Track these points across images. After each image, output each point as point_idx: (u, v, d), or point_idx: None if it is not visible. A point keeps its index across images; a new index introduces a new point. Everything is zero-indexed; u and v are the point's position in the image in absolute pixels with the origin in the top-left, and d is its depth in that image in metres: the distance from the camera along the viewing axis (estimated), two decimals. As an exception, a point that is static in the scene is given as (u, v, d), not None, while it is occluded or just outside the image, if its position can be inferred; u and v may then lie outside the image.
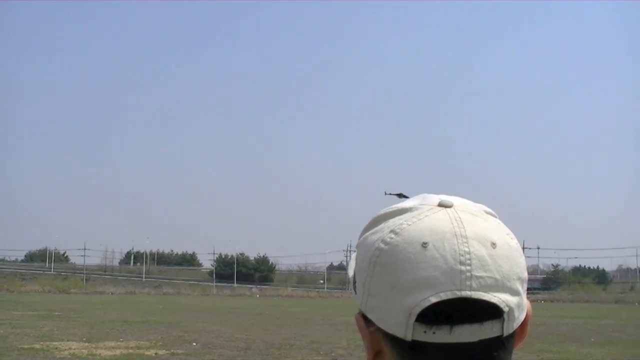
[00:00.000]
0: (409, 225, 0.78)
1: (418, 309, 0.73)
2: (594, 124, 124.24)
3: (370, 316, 0.79)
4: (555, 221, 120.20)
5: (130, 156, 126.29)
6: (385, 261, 0.77)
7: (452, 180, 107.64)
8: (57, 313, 27.79)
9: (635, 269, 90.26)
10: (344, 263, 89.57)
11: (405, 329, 0.74)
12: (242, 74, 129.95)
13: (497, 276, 0.75)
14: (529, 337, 0.80)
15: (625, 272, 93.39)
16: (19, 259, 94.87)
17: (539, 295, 66.00)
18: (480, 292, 0.73)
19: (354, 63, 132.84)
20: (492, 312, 0.74)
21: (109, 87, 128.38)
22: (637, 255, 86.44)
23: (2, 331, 18.54)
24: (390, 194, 59.07)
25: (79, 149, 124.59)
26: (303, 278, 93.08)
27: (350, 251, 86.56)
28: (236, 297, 62.01)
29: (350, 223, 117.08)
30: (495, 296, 0.74)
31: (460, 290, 0.73)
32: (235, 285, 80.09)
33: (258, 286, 78.86)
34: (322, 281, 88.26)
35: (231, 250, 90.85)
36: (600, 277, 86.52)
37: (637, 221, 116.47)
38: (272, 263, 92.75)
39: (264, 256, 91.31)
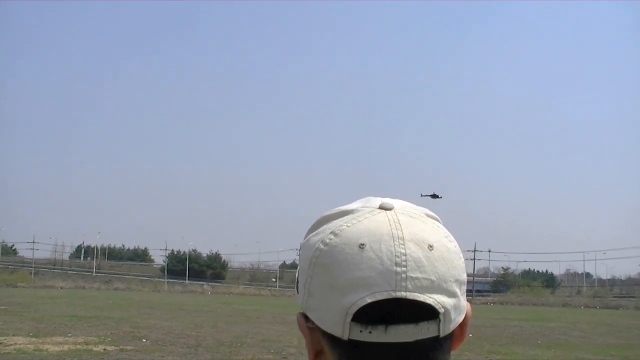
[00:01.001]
0: (348, 227, 0.80)
1: (354, 309, 0.74)
2: (544, 129, 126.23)
3: (310, 316, 0.81)
4: (507, 225, 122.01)
5: (82, 149, 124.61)
6: (324, 262, 0.79)
7: (405, 184, 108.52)
8: (3, 307, 27.19)
9: (582, 273, 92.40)
10: (297, 262, 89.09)
11: (342, 329, 0.75)
12: (196, 69, 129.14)
13: (433, 278, 0.76)
14: (477, 338, 0.81)
15: (573, 277, 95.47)
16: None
17: (489, 298, 66.95)
18: (416, 293, 0.75)
19: (308, 59, 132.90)
20: (428, 313, 0.75)
21: (67, 80, 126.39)
22: (584, 260, 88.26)
23: (-55, 324, 18.13)
24: (425, 195, 63.41)
25: (29, 140, 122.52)
26: (255, 276, 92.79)
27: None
28: (187, 294, 61.65)
29: (304, 222, 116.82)
30: (430, 297, 0.75)
31: (395, 291, 0.74)
32: (187, 282, 79.61)
33: (210, 283, 78.50)
34: (274, 279, 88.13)
35: (183, 246, 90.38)
36: (548, 280, 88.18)
37: (585, 227, 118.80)
38: (224, 260, 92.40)
39: (216, 253, 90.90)
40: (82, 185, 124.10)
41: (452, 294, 0.78)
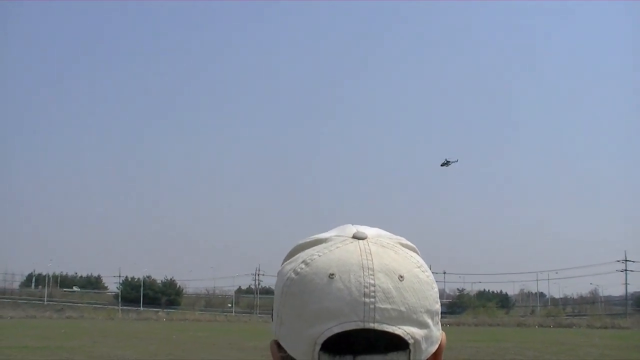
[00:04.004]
0: (320, 256, 0.81)
1: (322, 339, 0.76)
2: (494, 148, 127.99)
3: (282, 343, 0.82)
4: (461, 247, 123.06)
5: (32, 175, 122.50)
6: (294, 291, 0.80)
7: (358, 205, 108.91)
8: (-50, 339, 26.52)
9: (536, 293, 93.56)
10: (253, 287, 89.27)
11: (312, 358, 0.77)
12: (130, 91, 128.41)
13: (402, 309, 0.77)
14: (434, 360, 0.83)
15: (527, 296, 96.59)
16: None
17: (444, 319, 67.23)
18: (384, 324, 0.76)
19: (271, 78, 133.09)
20: (397, 343, 0.77)
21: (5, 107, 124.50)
22: (537, 280, 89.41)
23: None
24: (443, 164, 66.57)
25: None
26: (211, 302, 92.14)
27: (258, 275, 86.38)
28: (142, 321, 60.75)
29: (259, 247, 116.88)
30: (400, 328, 0.77)
31: (363, 321, 0.75)
32: (142, 308, 78.54)
33: (165, 310, 77.59)
34: (230, 305, 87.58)
35: (138, 273, 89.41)
36: (503, 301, 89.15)
37: (537, 247, 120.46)
38: (179, 286, 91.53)
39: (171, 279, 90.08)
40: (32, 212, 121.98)
41: (422, 325, 0.79)
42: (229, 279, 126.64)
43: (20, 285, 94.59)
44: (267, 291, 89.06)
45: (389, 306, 0.77)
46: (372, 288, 0.77)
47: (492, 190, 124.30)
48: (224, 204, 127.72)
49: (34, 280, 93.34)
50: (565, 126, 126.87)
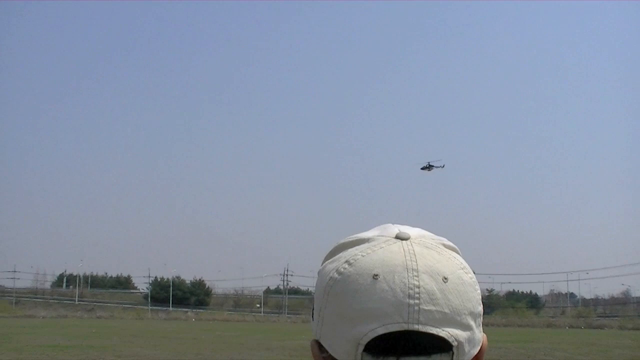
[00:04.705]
0: (363, 256, 0.80)
1: (365, 340, 0.75)
2: (526, 149, 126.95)
3: (323, 344, 0.81)
4: (490, 247, 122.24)
5: (62, 176, 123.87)
6: (337, 291, 0.79)
7: (393, 208, 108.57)
8: (-17, 338, 26.88)
9: (566, 293, 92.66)
10: (281, 287, 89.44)
11: (354, 359, 0.76)
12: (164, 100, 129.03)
13: (446, 310, 0.76)
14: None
15: (557, 297, 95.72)
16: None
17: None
18: (428, 326, 0.75)
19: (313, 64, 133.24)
20: (441, 345, 0.76)
21: (40, 109, 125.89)
22: (567, 280, 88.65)
23: None
24: (423, 167, 63.86)
25: (7, 169, 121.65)
26: (239, 302, 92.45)
27: (287, 275, 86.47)
28: (171, 321, 61.20)
29: (288, 247, 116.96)
30: (444, 330, 0.76)
31: (407, 323, 0.75)
32: (171, 309, 79.12)
33: (194, 310, 78.06)
34: (258, 305, 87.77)
35: (167, 273, 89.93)
36: (532, 301, 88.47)
37: (567, 247, 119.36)
38: (208, 287, 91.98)
39: (200, 280, 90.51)
40: (63, 214, 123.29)
41: (466, 327, 0.78)
42: (258, 279, 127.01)
43: (51, 285, 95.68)
44: (296, 291, 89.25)
45: (433, 308, 0.76)
46: (417, 289, 0.76)
47: (522, 189, 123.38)
48: (252, 205, 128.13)
49: (65, 280, 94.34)
50: (594, 125, 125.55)
